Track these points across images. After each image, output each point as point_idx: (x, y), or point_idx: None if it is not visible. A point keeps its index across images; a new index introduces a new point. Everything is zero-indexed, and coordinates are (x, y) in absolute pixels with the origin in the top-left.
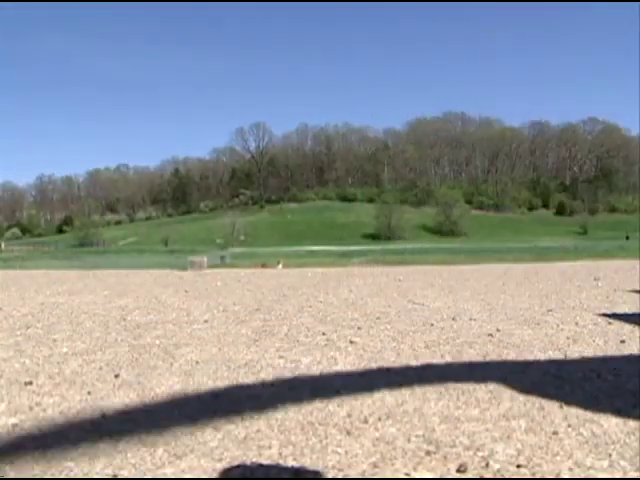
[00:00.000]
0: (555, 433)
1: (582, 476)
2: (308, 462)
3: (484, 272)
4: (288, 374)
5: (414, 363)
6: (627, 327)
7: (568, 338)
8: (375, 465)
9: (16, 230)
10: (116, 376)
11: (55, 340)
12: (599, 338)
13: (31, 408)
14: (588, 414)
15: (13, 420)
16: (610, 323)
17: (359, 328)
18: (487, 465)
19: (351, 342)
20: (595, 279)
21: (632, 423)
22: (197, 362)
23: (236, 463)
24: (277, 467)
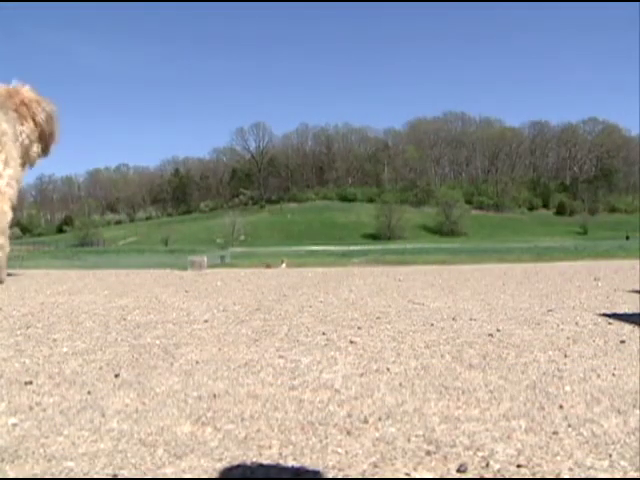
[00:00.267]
0: (555, 433)
1: (582, 476)
2: (308, 462)
3: (484, 272)
4: (288, 374)
5: (414, 363)
6: (627, 327)
7: (568, 338)
8: (375, 465)
9: (16, 230)
10: (116, 376)
11: (55, 340)
12: (599, 338)
13: (31, 408)
14: (588, 414)
15: (13, 420)
16: (610, 323)
17: (359, 328)
18: (487, 465)
19: (351, 342)
20: (595, 279)
21: (632, 423)
22: (197, 362)
23: (236, 463)
24: (277, 467)
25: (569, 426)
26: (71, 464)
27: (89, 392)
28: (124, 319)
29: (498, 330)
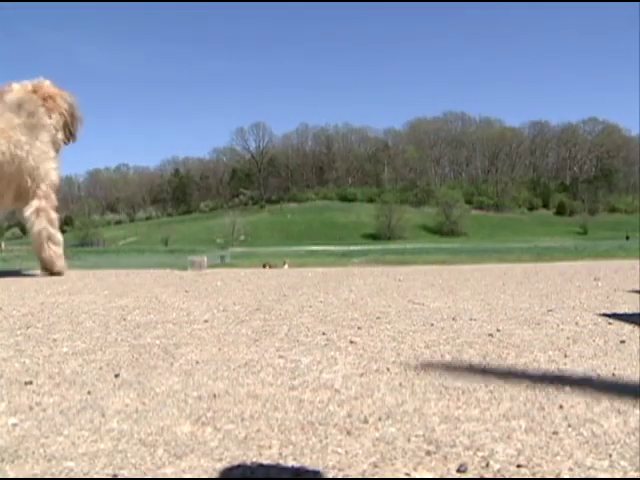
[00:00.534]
0: (555, 433)
1: (582, 476)
2: (308, 462)
3: (484, 272)
4: (288, 374)
5: (414, 363)
6: (627, 327)
7: (568, 338)
8: (375, 465)
9: (16, 230)
10: (116, 376)
11: (55, 340)
12: (599, 338)
13: (31, 408)
14: (588, 414)
15: (13, 420)
16: (610, 323)
17: (359, 328)
18: (487, 465)
19: (351, 342)
20: (595, 279)
21: (632, 423)
22: (197, 362)
23: (236, 463)
24: (277, 467)
25: (569, 426)
26: (71, 464)
27: (89, 392)
28: (124, 319)
29: (498, 330)
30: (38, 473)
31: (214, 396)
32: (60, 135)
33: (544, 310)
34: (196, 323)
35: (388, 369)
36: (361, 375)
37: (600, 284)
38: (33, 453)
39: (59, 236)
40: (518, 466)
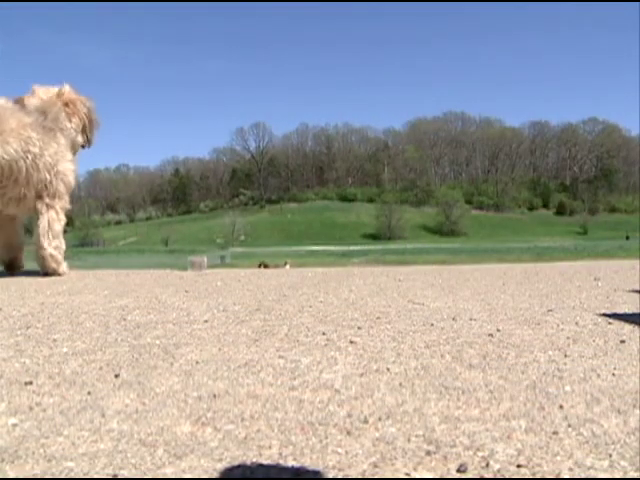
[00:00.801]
0: (555, 433)
1: (582, 476)
2: (308, 462)
3: (484, 272)
4: (288, 374)
5: (414, 363)
6: (627, 327)
7: (568, 338)
8: (375, 465)
9: None
10: (116, 376)
11: (55, 340)
12: (599, 338)
13: (31, 408)
14: (588, 414)
15: (13, 420)
16: (610, 323)
17: (359, 328)
18: (487, 465)
19: (351, 342)
20: (595, 279)
21: (632, 423)
22: (197, 362)
23: (236, 463)
24: (277, 467)
25: (569, 426)
26: (71, 464)
27: (89, 392)
28: (124, 319)
29: (498, 330)
30: (38, 473)
31: (214, 396)
32: (79, 139)
33: (544, 310)
34: (196, 323)
35: (388, 369)
36: (361, 375)
37: (600, 284)
38: (33, 453)
39: (62, 238)
40: (518, 466)
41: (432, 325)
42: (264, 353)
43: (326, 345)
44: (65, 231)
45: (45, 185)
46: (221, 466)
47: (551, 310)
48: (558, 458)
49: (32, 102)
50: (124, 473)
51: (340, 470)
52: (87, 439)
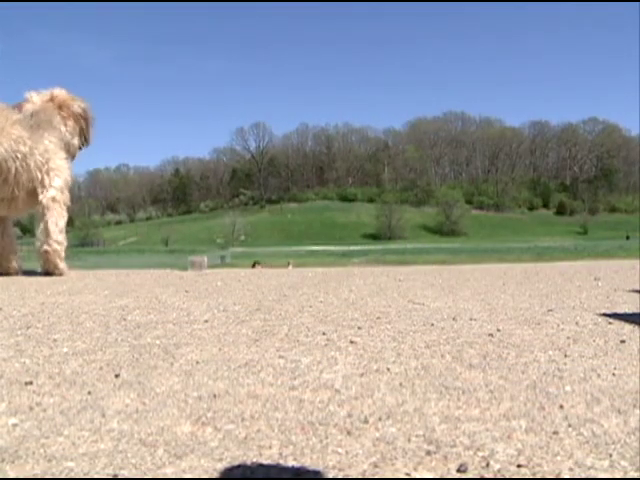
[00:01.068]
0: (555, 433)
1: (582, 476)
2: (308, 462)
3: (484, 272)
4: (288, 374)
5: (414, 363)
6: (627, 327)
7: (568, 338)
8: (375, 465)
9: (17, 230)
10: (116, 376)
11: (55, 340)
12: (599, 338)
13: (31, 408)
14: (588, 414)
15: (13, 420)
16: (610, 323)
17: (359, 328)
18: (487, 465)
19: (351, 342)
20: (595, 279)
21: (632, 423)
22: (197, 362)
23: (236, 463)
24: (277, 467)
25: (569, 426)
26: (71, 464)
27: (89, 392)
28: (124, 319)
29: (498, 330)
30: (38, 473)
31: (214, 396)
32: (76, 141)
33: (544, 310)
34: (196, 323)
35: (388, 369)
36: (361, 375)
37: (600, 284)
38: (33, 453)
39: (64, 235)
40: (518, 466)
41: (432, 325)
42: (264, 353)
43: (326, 345)
44: (66, 230)
45: (39, 183)
46: (221, 466)
47: (551, 310)
48: (558, 458)
49: (28, 107)
50: (124, 473)
51: (340, 470)
52: (87, 439)
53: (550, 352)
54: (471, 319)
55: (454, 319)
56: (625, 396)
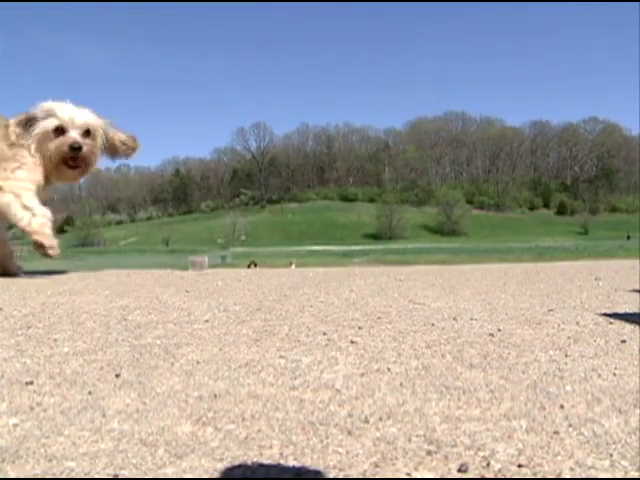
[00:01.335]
0: (556, 433)
1: (583, 476)
2: (309, 462)
3: (485, 272)
4: (289, 374)
5: (415, 363)
6: (628, 327)
7: (569, 338)
8: (376, 465)
9: (17, 230)
10: (117, 376)
11: (56, 340)
12: (600, 338)
13: (32, 408)
14: (589, 414)
15: (14, 420)
16: (611, 323)
17: (360, 328)
18: (488, 465)
19: (352, 342)
20: (596, 279)
21: (633, 423)
22: (198, 362)
23: (237, 463)
24: (278, 467)
25: (570, 426)
26: (72, 464)
27: (90, 392)
28: (125, 319)
29: (499, 330)
30: (39, 473)
31: (215, 396)
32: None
33: (545, 310)
34: (197, 323)
35: (389, 369)
36: (362, 375)
37: (601, 284)
38: (34, 453)
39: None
40: (519, 466)
41: (433, 325)
42: (265, 353)
43: (327, 345)
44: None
45: None
46: (222, 466)
47: (552, 310)
48: (559, 458)
49: None
50: (125, 473)
51: (341, 470)
52: (88, 439)
53: (551, 352)
54: (472, 319)
55: (455, 319)
56: (626, 396)
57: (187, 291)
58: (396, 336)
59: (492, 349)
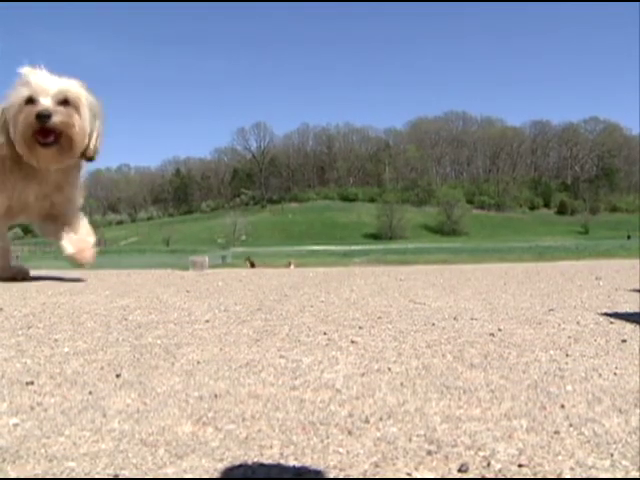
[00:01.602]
0: (557, 432)
1: (584, 476)
2: (309, 462)
3: (485, 272)
4: (289, 374)
5: (415, 362)
6: (629, 326)
7: (569, 337)
8: (376, 465)
9: (18, 230)
10: (117, 376)
11: (56, 340)
12: (600, 337)
13: (32, 408)
14: (590, 413)
15: (14, 420)
16: (612, 322)
17: (360, 328)
18: (488, 465)
19: (352, 342)
20: (596, 278)
21: (634, 422)
22: (198, 362)
23: (237, 463)
24: (278, 467)
25: (570, 425)
26: (72, 464)
27: (90, 392)
28: (125, 319)
29: (499, 330)
30: (39, 473)
31: (215, 396)
32: None
33: (545, 309)
34: (197, 323)
35: (389, 369)
36: (362, 375)
37: (601, 283)
38: (34, 453)
39: None
40: (519, 466)
41: (433, 325)
42: (265, 353)
43: (327, 345)
44: None
45: None
46: (222, 466)
47: (552, 309)
48: (559, 458)
49: None
50: (125, 473)
51: (341, 470)
52: (88, 439)
53: (551, 352)
54: (472, 319)
55: (455, 319)
56: (626, 395)
57: (187, 291)
58: (396, 336)
59: (493, 349)
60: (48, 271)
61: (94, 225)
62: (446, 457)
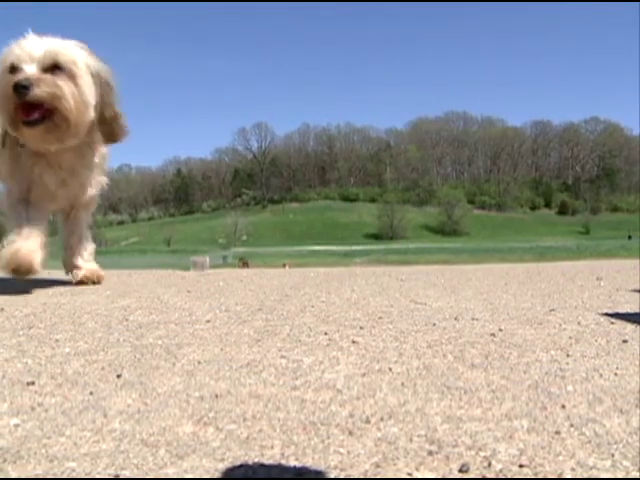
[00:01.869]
0: (557, 433)
1: (584, 476)
2: (310, 462)
3: (486, 272)
4: (290, 374)
5: (416, 363)
6: (629, 327)
7: (570, 338)
8: (377, 465)
9: None
10: (118, 376)
11: (57, 340)
12: (601, 338)
13: (33, 408)
14: (590, 414)
15: (15, 420)
16: (612, 323)
17: (361, 328)
18: (489, 465)
19: (353, 342)
20: (597, 279)
21: (635, 423)
22: (199, 362)
23: (238, 463)
24: (279, 467)
25: (571, 426)
26: (73, 464)
27: (91, 392)
28: (126, 319)
29: (500, 330)
30: (40, 473)
31: (216, 396)
32: None
33: (546, 310)
34: (198, 323)
35: (390, 369)
36: (363, 375)
37: (602, 284)
38: (35, 453)
39: None
40: (520, 466)
41: (434, 325)
42: (266, 353)
43: (328, 345)
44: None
45: None
46: (223, 466)
47: (553, 310)
48: (560, 458)
49: None
50: (126, 473)
51: (342, 470)
52: (89, 439)
53: (552, 352)
54: (473, 319)
55: (456, 319)
56: (627, 396)
57: (188, 291)
58: (397, 336)
59: (493, 349)
60: (49, 271)
61: (95, 225)
62: (447, 457)
